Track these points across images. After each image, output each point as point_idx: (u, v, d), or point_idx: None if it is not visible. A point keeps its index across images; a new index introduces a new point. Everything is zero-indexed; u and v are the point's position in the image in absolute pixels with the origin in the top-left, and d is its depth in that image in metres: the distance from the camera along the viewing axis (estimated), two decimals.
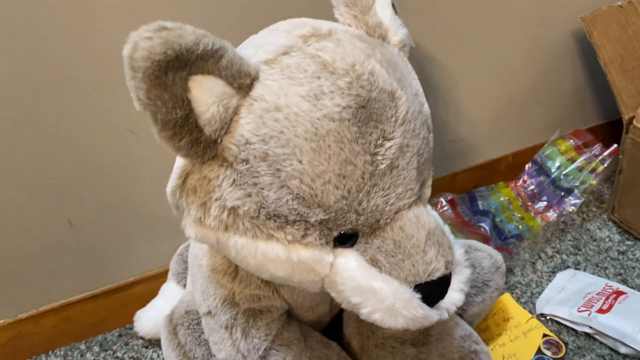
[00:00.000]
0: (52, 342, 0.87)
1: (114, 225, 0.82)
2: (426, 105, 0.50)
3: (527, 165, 1.03)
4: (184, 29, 0.36)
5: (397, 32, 0.50)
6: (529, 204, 0.99)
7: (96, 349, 0.86)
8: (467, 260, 0.50)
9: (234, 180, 0.43)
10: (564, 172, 0.98)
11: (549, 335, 0.78)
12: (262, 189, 0.42)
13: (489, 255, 0.73)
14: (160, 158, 0.74)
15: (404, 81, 0.47)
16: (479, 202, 0.99)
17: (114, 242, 0.84)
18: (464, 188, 1.04)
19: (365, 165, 0.43)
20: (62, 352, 0.86)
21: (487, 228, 0.93)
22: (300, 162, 0.41)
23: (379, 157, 0.43)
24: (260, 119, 0.41)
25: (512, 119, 1.03)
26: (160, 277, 0.87)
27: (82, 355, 0.85)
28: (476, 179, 1.06)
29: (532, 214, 0.97)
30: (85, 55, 0.69)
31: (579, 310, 0.78)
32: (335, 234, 0.45)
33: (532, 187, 1.00)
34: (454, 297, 0.48)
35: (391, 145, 0.44)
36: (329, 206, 0.43)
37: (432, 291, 0.46)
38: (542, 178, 1.00)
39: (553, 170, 0.99)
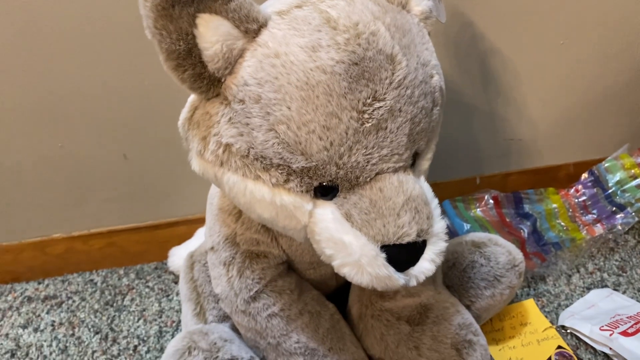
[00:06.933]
0: (97, 263, 0.96)
1: (166, 163, 0.89)
2: (437, 78, 0.50)
3: (583, 175, 0.97)
4: None
5: (420, 3, 0.51)
6: (577, 214, 0.94)
7: (132, 276, 0.94)
8: (447, 234, 0.50)
9: (230, 118, 0.46)
10: (622, 188, 0.93)
11: (564, 348, 0.74)
12: (253, 129, 0.45)
13: (508, 251, 0.71)
14: None
15: (411, 48, 0.47)
16: (525, 205, 0.95)
17: (164, 180, 0.91)
18: (516, 190, 1.01)
19: (351, 121, 0.44)
20: (103, 273, 0.95)
21: (525, 231, 0.89)
22: (289, 108, 0.44)
23: (366, 116, 0.44)
24: (260, 63, 0.44)
25: (578, 127, 0.98)
26: (202, 222, 0.93)
27: (119, 279, 0.93)
28: (531, 183, 1.02)
29: (577, 225, 0.92)
30: None
31: (601, 328, 0.74)
32: (315, 183, 0.47)
33: (584, 197, 0.95)
34: (424, 266, 0.48)
35: (380, 106, 0.45)
36: (311, 155, 0.45)
37: (400, 255, 0.47)
38: (596, 190, 0.94)
39: (610, 185, 0.93)
